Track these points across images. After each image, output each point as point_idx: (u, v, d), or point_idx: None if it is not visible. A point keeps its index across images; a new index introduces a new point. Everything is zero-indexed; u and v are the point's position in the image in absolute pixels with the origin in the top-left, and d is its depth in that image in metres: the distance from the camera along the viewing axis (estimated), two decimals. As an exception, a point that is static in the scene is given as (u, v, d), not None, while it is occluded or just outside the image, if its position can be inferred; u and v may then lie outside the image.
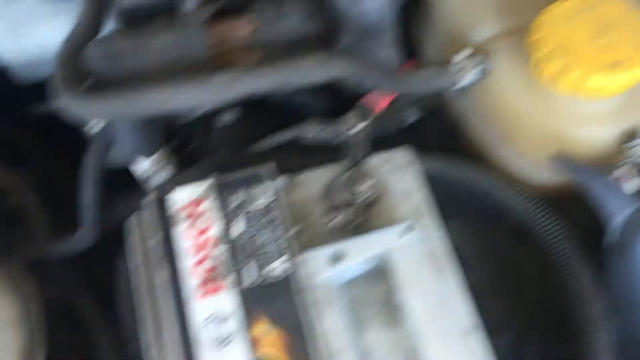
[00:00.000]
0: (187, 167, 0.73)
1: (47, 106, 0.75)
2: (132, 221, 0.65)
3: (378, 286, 0.61)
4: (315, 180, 0.66)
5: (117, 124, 0.62)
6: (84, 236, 0.70)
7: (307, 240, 0.63)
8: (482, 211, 0.71)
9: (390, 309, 0.60)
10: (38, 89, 0.73)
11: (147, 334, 0.60)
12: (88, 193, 0.67)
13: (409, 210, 0.64)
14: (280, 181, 0.62)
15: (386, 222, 0.63)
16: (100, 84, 0.55)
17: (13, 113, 0.80)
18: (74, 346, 0.73)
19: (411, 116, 0.77)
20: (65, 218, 0.81)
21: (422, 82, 0.59)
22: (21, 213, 0.75)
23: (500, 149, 0.72)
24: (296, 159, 0.69)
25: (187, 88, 0.52)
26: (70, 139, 0.86)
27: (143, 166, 0.70)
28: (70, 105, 0.53)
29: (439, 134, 0.79)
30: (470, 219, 0.70)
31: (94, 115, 0.53)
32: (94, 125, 0.72)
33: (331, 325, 0.56)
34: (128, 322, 0.79)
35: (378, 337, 0.59)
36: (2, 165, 0.75)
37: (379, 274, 0.61)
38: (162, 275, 0.58)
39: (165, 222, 0.60)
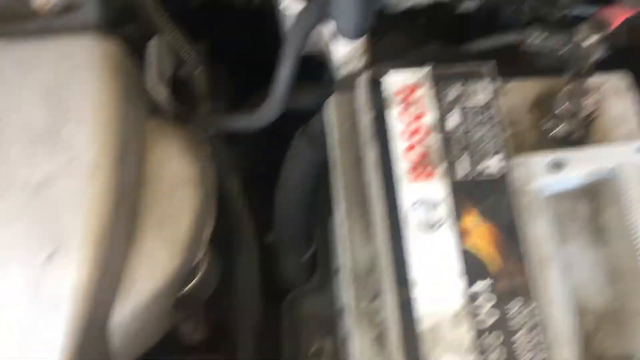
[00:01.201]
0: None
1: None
2: (334, 100, 0.64)
3: (584, 204, 0.59)
4: (527, 88, 0.64)
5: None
6: (268, 110, 0.69)
7: (517, 145, 0.61)
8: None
9: (594, 228, 0.59)
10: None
11: (341, 210, 0.60)
12: (285, 68, 0.66)
13: (623, 134, 0.61)
14: (498, 81, 0.60)
15: (600, 142, 0.61)
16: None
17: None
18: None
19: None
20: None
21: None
22: (204, 83, 0.75)
23: None
24: (511, 63, 0.66)
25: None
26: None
27: (342, 51, 0.69)
28: None
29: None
30: None
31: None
32: (289, 6, 0.72)
33: (540, 232, 0.55)
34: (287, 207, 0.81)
35: (579, 253, 0.58)
36: (186, 36, 0.74)
37: (588, 192, 0.59)
38: (371, 155, 0.57)
39: (378, 103, 0.59)
